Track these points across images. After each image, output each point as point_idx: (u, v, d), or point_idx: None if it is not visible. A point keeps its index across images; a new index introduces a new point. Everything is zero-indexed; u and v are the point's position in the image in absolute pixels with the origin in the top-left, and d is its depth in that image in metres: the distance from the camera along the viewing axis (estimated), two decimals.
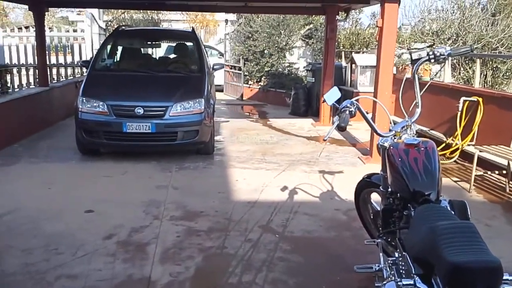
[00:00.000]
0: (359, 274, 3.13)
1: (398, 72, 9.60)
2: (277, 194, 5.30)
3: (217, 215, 4.63)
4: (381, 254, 2.76)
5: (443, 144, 6.92)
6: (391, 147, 2.58)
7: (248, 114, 12.23)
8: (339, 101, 2.76)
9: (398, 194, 2.49)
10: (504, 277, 1.76)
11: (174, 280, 3.36)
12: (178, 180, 5.76)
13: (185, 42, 8.72)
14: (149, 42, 9.42)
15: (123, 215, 4.54)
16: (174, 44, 9.32)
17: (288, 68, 14.36)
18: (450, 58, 3.54)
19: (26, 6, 9.75)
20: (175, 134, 6.47)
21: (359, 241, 3.91)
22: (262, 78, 14.60)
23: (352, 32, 14.80)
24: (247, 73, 14.78)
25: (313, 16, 13.63)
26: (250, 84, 14.83)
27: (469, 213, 2.37)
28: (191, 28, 9.13)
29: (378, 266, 2.74)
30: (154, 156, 6.68)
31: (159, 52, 11.39)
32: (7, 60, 11.11)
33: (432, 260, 1.83)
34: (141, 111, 6.30)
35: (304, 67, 13.72)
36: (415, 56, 2.86)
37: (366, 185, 3.31)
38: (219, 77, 13.97)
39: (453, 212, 2.29)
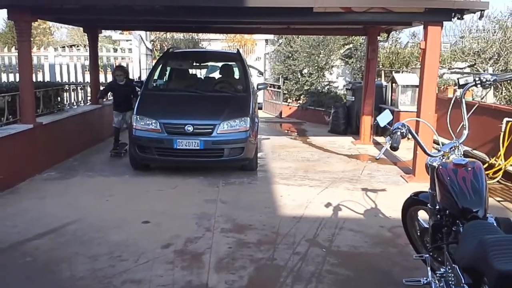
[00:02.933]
0: (407, 287, 3.28)
1: (439, 92, 9.65)
2: (321, 210, 5.48)
3: (265, 228, 4.86)
4: (429, 268, 2.92)
5: (486, 164, 6.94)
6: (440, 167, 2.76)
7: (287, 131, 12.48)
8: (390, 123, 2.97)
9: (447, 211, 2.66)
10: None
11: (229, 287, 3.59)
12: (226, 195, 6.04)
13: (230, 63, 9.11)
14: (197, 63, 9.84)
15: (177, 226, 4.83)
16: (218, 64, 9.73)
17: (327, 87, 14.58)
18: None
19: (74, 27, 10.37)
20: (222, 151, 6.78)
21: (405, 257, 4.05)
22: (301, 97, 14.86)
23: (392, 51, 14.91)
24: (286, 92, 15.08)
25: (354, 36, 13.84)
26: (289, 102, 15.12)
27: None
28: (236, 50, 9.51)
29: (426, 279, 2.90)
30: (202, 172, 6.99)
31: (204, 72, 11.81)
32: (58, 79, 11.82)
33: (481, 269, 2.01)
34: (190, 128, 6.65)
35: (344, 85, 13.90)
36: (462, 81, 3.04)
37: (413, 202, 3.46)
38: (258, 96, 14.30)
39: (499, 228, 2.45)
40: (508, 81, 10.93)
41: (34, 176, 6.55)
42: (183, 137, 6.62)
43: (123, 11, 6.74)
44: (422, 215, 3.46)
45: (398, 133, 2.79)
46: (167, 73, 8.77)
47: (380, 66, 14.15)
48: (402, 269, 3.93)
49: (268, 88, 15.85)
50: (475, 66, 12.49)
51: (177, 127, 6.69)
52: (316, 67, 14.47)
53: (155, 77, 8.33)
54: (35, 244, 4.30)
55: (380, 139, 10.16)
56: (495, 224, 2.50)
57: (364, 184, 6.65)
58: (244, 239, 4.57)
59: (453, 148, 2.86)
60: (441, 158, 2.90)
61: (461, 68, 12.49)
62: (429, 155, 2.96)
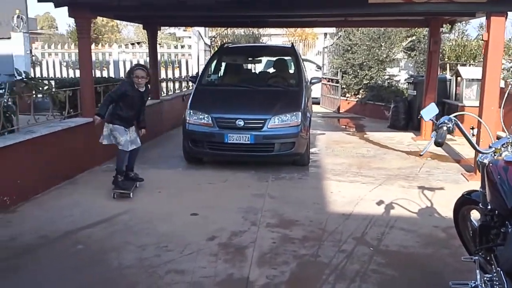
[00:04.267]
0: None
1: (506, 86, 9.03)
2: (372, 207, 5.31)
3: (312, 224, 4.77)
4: (477, 271, 2.72)
5: None
6: (491, 164, 2.56)
7: (344, 127, 12.22)
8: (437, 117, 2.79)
9: (496, 212, 2.46)
10: None
11: (270, 282, 3.56)
12: (274, 190, 6.00)
13: (285, 57, 9.04)
14: (251, 58, 9.86)
15: (224, 219, 4.86)
16: (273, 59, 9.69)
17: (388, 81, 14.11)
18: None
19: (140, 25, 10.70)
20: (272, 145, 6.75)
21: (458, 259, 3.81)
22: (360, 91, 14.49)
23: (458, 44, 14.17)
24: (344, 86, 14.77)
25: (416, 28, 13.29)
26: (348, 97, 14.79)
27: None
28: (291, 44, 9.42)
29: (474, 283, 2.70)
30: (252, 166, 7.00)
31: (259, 66, 11.85)
32: (121, 74, 12.32)
33: None
34: (241, 123, 6.67)
35: (405, 79, 13.39)
36: None
37: (465, 202, 3.25)
38: (316, 90, 14.12)
39: None
40: None
41: (93, 167, 6.86)
42: (234, 132, 6.66)
43: (177, 7, 6.86)
44: (475, 215, 3.24)
45: (444, 128, 2.62)
46: (222, 68, 8.85)
47: (445, 59, 13.49)
48: (454, 271, 3.71)
49: (326, 82, 15.60)
50: None
51: (228, 121, 6.73)
52: (376, 61, 14.04)
53: (209, 72, 8.44)
54: (87, 233, 4.49)
55: None
56: None
57: (421, 182, 6.36)
58: (289, 235, 4.51)
59: (506, 145, 2.64)
60: (493, 155, 2.69)
61: None
62: (479, 151, 2.76)
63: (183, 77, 13.18)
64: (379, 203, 5.44)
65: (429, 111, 2.84)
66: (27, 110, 5.94)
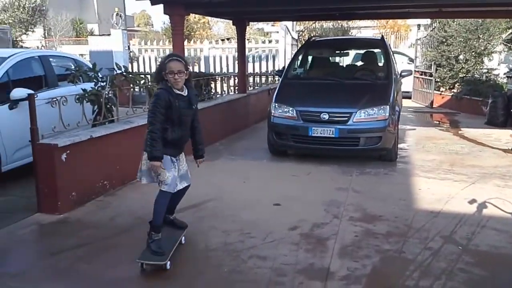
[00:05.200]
0: None
1: None
2: (463, 206, 5.06)
3: (397, 220, 4.66)
4: None
5: None
6: None
7: (437, 122, 11.66)
8: None
9: None
10: None
11: (351, 274, 3.56)
12: (359, 184, 5.93)
13: (373, 50, 8.83)
14: (338, 51, 9.76)
15: (306, 211, 4.91)
16: (361, 52, 9.50)
17: (486, 75, 13.20)
18: None
19: (230, 21, 10.99)
20: (357, 140, 6.65)
21: None
22: (456, 85, 13.72)
23: None
24: (438, 80, 14.06)
25: None
26: (442, 91, 14.07)
27: None
28: (380, 36, 9.18)
29: None
30: (336, 160, 6.95)
31: (346, 59, 11.67)
32: (211, 69, 12.77)
33: None
34: (326, 116, 6.65)
35: (504, 73, 12.46)
36: None
37: None
38: (407, 84, 13.60)
39: None
40: None
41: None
42: (318, 125, 6.66)
43: (266, 1, 6.99)
44: None
45: None
46: (308, 61, 8.86)
47: None
48: None
49: (419, 76, 14.96)
50: None
51: (313, 114, 6.74)
52: (473, 53, 13.20)
53: (295, 66, 8.49)
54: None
55: None
56: None
57: None
58: (372, 229, 4.45)
59: None
60: None
61: None
62: None
63: (269, 71, 13.37)
64: (471, 202, 5.16)
65: None
66: (125, 102, 6.41)
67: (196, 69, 14.22)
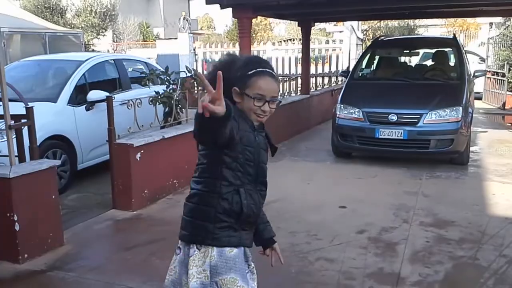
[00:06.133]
0: None
1: None
2: None
3: (470, 226, 4.48)
4: None
5: None
6: None
7: (510, 124, 11.03)
8: None
9: None
10: None
11: (423, 280, 3.46)
12: (429, 188, 5.74)
13: (444, 49, 8.51)
14: (406, 51, 9.49)
15: (373, 214, 4.83)
16: (431, 51, 9.18)
17: None
18: None
19: (291, 22, 10.97)
20: (428, 142, 6.45)
21: None
22: None
23: None
24: (511, 80, 13.29)
25: None
26: None
27: None
28: (452, 35, 8.83)
29: None
30: (403, 162, 6.76)
31: (415, 59, 11.32)
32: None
33: None
34: (394, 118, 6.49)
35: None
36: None
37: None
38: (478, 85, 12.96)
39: None
40: None
41: None
42: (386, 126, 6.52)
43: (333, 2, 6.93)
44: None
45: None
46: (375, 61, 8.69)
47: None
48: None
49: (490, 76, 14.22)
50: None
51: (380, 116, 6.61)
52: None
53: (362, 66, 8.35)
54: None
55: None
56: None
57: None
58: (444, 235, 4.31)
59: None
60: None
61: None
62: None
63: (332, 72, 13.23)
64: None
65: None
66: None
67: None
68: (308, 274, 3.60)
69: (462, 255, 3.87)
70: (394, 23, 20.31)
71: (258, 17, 9.25)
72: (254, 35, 29.70)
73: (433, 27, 23.19)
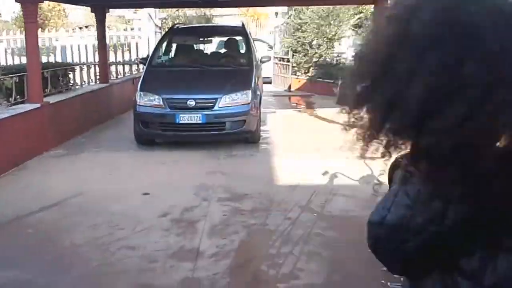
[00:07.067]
0: None
1: None
2: (318, 178, 5.53)
3: (261, 196, 5.00)
4: None
5: None
6: None
7: (295, 104, 12.50)
8: None
9: None
10: None
11: (220, 251, 3.76)
12: (226, 167, 6.18)
13: (235, 37, 9.14)
14: (201, 39, 9.89)
15: (176, 197, 5.00)
16: (224, 39, 9.76)
17: (336, 58, 14.45)
18: None
19: (89, 8, 10.45)
20: (223, 124, 6.91)
21: None
22: (310, 69, 14.78)
23: None
24: (295, 65, 15.01)
25: (363, 5, 13.61)
26: (298, 75, 15.06)
27: None
28: (241, 23, 9.52)
29: None
30: (204, 146, 7.11)
31: (211, 47, 11.88)
32: (69, 59, 12.03)
33: None
34: (192, 103, 6.77)
35: (351, 56, 13.77)
36: None
37: None
38: (267, 70, 14.30)
39: None
40: None
41: (42, 153, 6.77)
42: (185, 112, 6.76)
43: None
44: None
45: None
46: (172, 49, 8.86)
47: None
48: None
49: (278, 61, 15.80)
50: None
51: (179, 102, 6.82)
52: (325, 39, 14.34)
53: (160, 54, 8.44)
54: (39, 216, 4.53)
55: None
56: None
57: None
58: (239, 207, 4.72)
59: None
60: None
61: None
62: None
63: (133, 60, 13.02)
64: (324, 173, 5.67)
65: None
66: None
67: (52, 59, 13.25)
68: (110, 265, 3.58)
69: (254, 223, 4.31)
70: (192, 12, 20.85)
71: (51, 3, 8.49)
72: (47, 21, 27.12)
73: (228, 17, 24.53)
